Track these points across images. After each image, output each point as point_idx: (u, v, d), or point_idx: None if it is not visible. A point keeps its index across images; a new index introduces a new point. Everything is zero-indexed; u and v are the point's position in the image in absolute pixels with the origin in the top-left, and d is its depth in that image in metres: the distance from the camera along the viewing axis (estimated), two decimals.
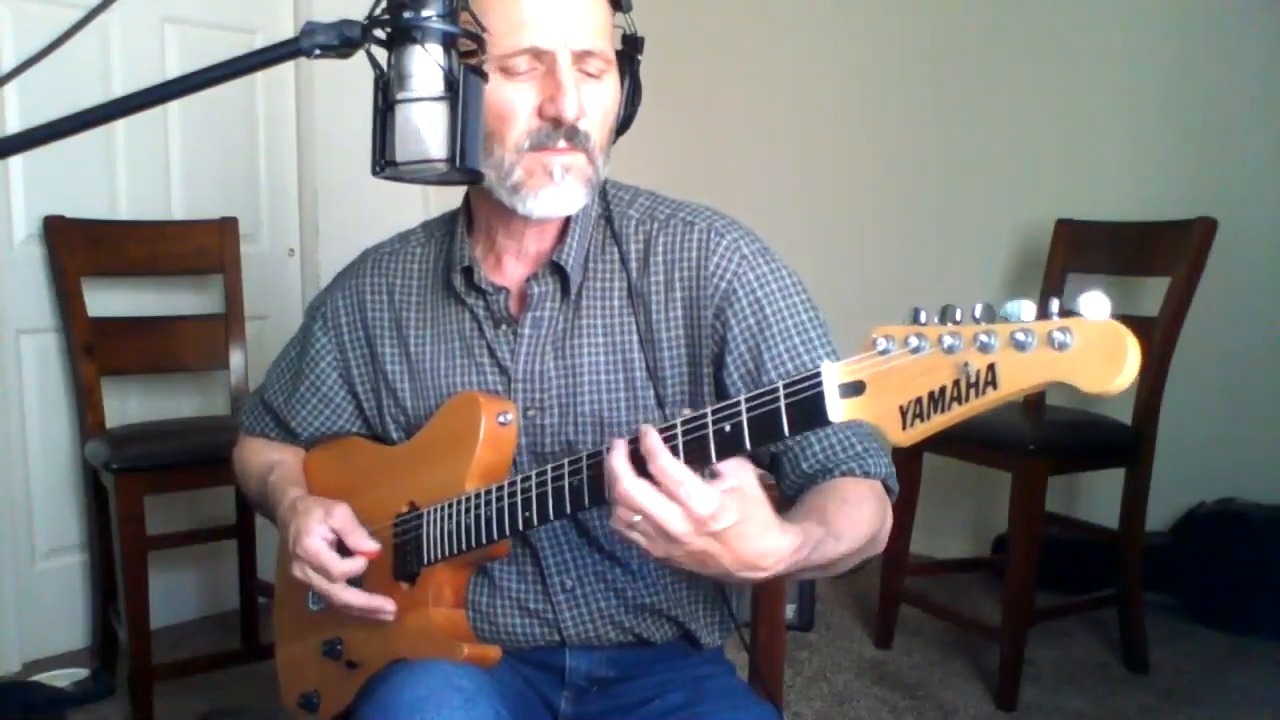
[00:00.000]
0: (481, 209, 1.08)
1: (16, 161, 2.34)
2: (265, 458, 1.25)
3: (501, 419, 1.01)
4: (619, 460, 0.81)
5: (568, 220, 1.05)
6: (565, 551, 1.07)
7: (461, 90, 0.80)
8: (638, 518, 0.80)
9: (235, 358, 2.51)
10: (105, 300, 2.41)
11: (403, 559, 1.05)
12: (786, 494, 1.03)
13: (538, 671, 1.10)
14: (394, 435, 1.14)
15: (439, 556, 1.01)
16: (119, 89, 2.45)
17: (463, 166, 0.81)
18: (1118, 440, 2.33)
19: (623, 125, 1.07)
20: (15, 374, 2.40)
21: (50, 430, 2.45)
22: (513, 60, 0.95)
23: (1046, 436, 2.27)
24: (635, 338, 1.04)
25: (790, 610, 2.47)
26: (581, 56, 0.96)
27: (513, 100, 0.96)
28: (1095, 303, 0.63)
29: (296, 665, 1.19)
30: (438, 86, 0.80)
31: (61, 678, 2.27)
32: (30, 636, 2.42)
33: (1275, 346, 2.56)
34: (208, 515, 2.57)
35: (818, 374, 0.75)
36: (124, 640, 2.15)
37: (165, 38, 2.58)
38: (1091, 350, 0.62)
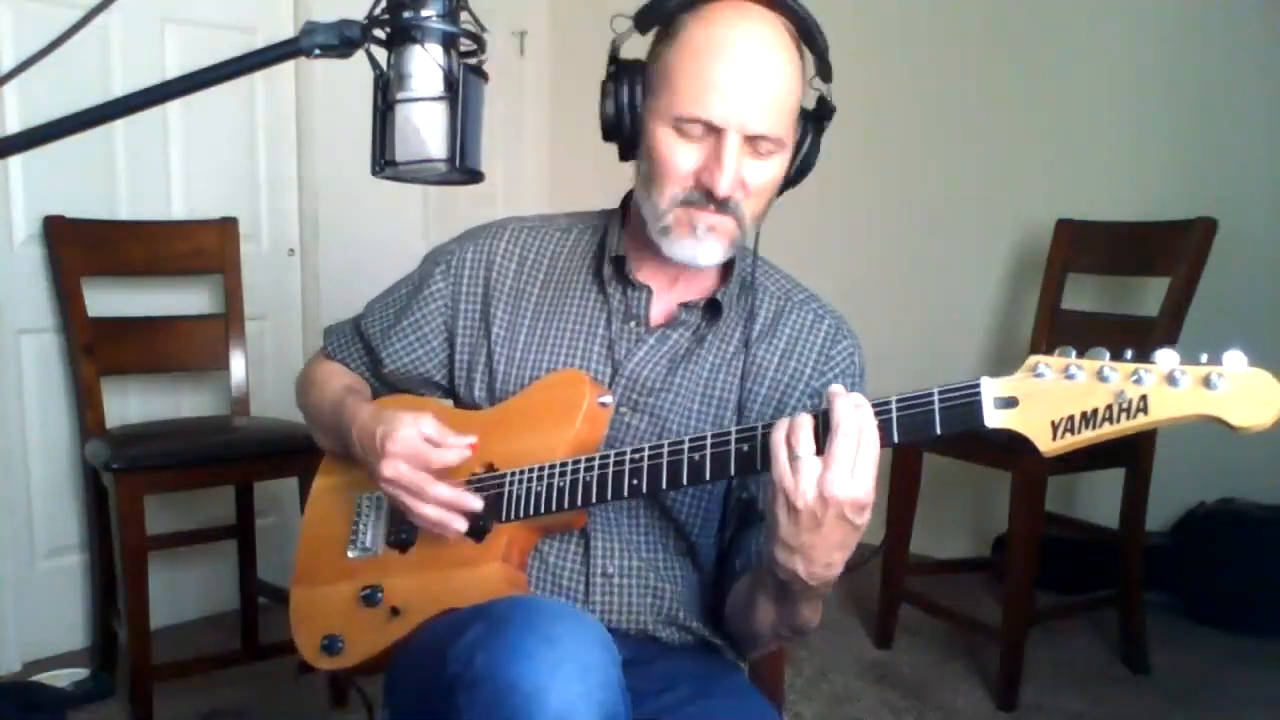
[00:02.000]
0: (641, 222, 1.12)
1: (16, 161, 2.34)
2: (346, 381, 1.27)
3: (603, 400, 1.07)
4: (866, 412, 0.85)
5: (731, 262, 1.12)
6: (615, 540, 1.10)
7: (461, 90, 0.80)
8: (806, 453, 0.85)
9: (235, 358, 2.51)
10: (105, 300, 2.40)
11: (474, 514, 1.06)
12: (744, 564, 1.10)
13: None
14: (476, 397, 1.17)
15: (522, 514, 1.03)
16: (119, 89, 2.45)
17: (462, 167, 0.81)
18: (1117, 440, 2.32)
19: (793, 181, 1.10)
20: (15, 374, 2.39)
21: (50, 430, 2.45)
22: (687, 124, 1.00)
23: None
24: (736, 382, 1.11)
25: None
26: (753, 139, 1.00)
27: (677, 158, 1.02)
28: (1236, 359, 0.76)
29: (319, 610, 1.17)
30: (438, 86, 0.80)
31: (61, 678, 2.27)
32: (30, 636, 2.41)
33: (1275, 346, 2.56)
34: (208, 515, 2.57)
35: (976, 385, 0.84)
36: (124, 640, 2.14)
37: (165, 38, 2.58)
38: (1243, 393, 0.76)
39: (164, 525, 2.41)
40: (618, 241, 1.14)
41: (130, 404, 2.54)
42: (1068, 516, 2.71)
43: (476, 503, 1.03)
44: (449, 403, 1.22)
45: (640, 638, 1.11)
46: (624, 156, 1.10)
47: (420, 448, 1.03)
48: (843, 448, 0.84)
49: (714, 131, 0.99)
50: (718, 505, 1.12)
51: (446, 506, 1.02)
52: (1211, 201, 2.41)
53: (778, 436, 0.87)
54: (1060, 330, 2.59)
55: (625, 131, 1.06)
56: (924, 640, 2.58)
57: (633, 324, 1.13)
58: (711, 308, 1.12)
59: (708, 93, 0.98)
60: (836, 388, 0.88)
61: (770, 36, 1.00)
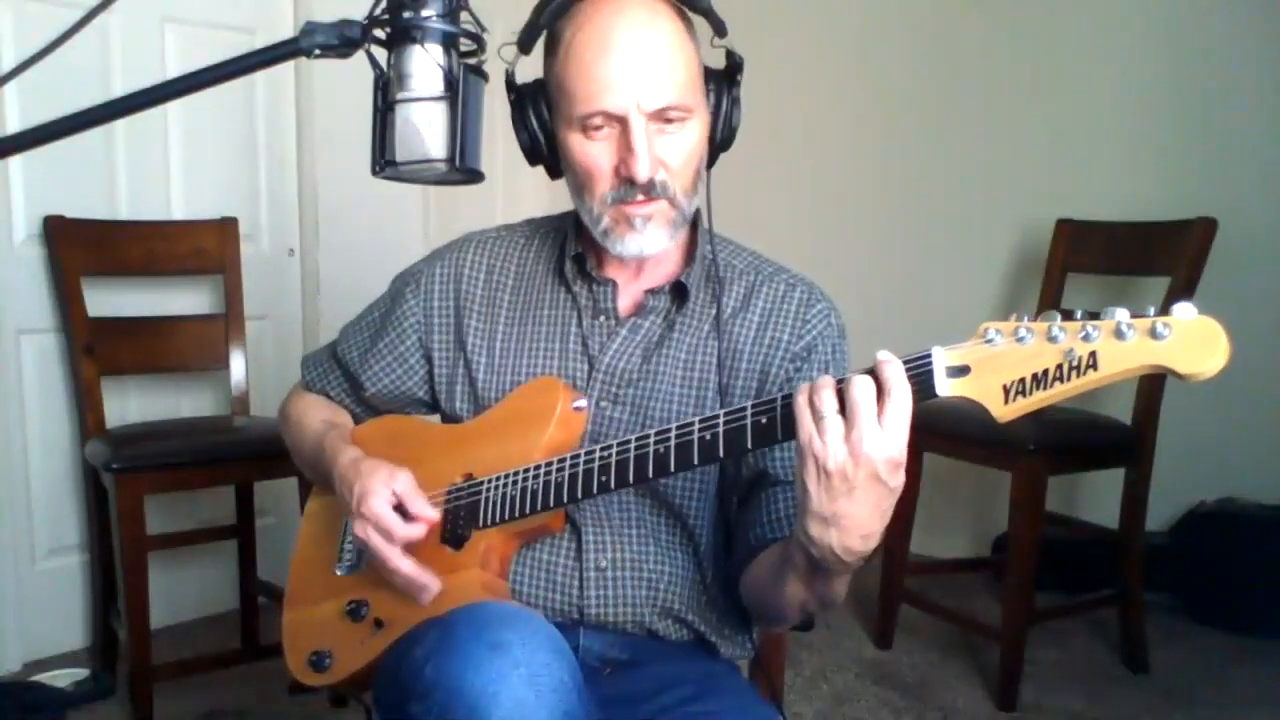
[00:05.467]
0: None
1: (16, 161, 2.34)
2: (324, 415, 1.28)
3: (577, 405, 1.08)
4: (897, 371, 0.81)
5: (693, 244, 1.15)
6: (606, 533, 1.10)
7: (461, 90, 0.80)
8: (830, 411, 0.81)
9: (235, 358, 2.51)
10: (105, 300, 2.41)
11: (453, 523, 1.08)
12: (760, 536, 1.07)
13: None
14: (459, 409, 1.18)
15: (498, 519, 1.04)
16: (119, 89, 2.45)
17: (462, 166, 0.82)
18: (1118, 440, 2.33)
19: (723, 144, 1.12)
20: (15, 374, 2.40)
21: (50, 430, 2.45)
22: (589, 120, 1.02)
23: (1046, 436, 2.26)
24: (714, 361, 1.11)
25: None
26: (657, 114, 1.01)
27: (593, 159, 1.04)
28: (1186, 309, 0.74)
29: (309, 626, 1.18)
30: (437, 86, 0.80)
31: (61, 678, 2.27)
32: (30, 636, 2.42)
33: (1275, 346, 2.56)
34: (208, 515, 2.57)
35: (928, 354, 0.82)
36: (124, 640, 2.15)
37: (165, 38, 2.58)
38: (1188, 340, 0.73)
39: (164, 525, 2.41)
40: (575, 241, 1.15)
41: (130, 404, 2.54)
42: (1068, 516, 2.71)
43: (435, 585, 1.04)
44: (435, 418, 1.22)
45: (638, 634, 1.11)
46: (554, 175, 1.12)
47: (388, 521, 1.03)
48: (867, 401, 0.80)
49: (616, 121, 1.01)
50: (714, 483, 1.11)
51: (407, 580, 1.04)
52: (1211, 201, 2.41)
53: (800, 400, 0.84)
54: None
55: (544, 152, 1.08)
56: (924, 640, 2.58)
57: (602, 318, 1.14)
58: (677, 291, 1.13)
59: (596, 84, 1.00)
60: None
61: (642, 11, 1.01)
